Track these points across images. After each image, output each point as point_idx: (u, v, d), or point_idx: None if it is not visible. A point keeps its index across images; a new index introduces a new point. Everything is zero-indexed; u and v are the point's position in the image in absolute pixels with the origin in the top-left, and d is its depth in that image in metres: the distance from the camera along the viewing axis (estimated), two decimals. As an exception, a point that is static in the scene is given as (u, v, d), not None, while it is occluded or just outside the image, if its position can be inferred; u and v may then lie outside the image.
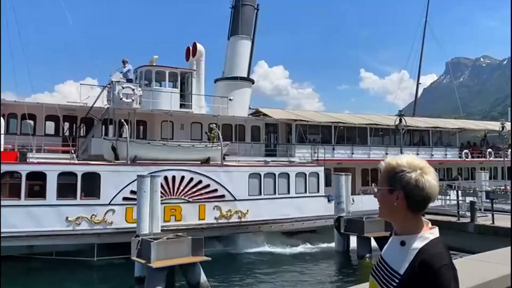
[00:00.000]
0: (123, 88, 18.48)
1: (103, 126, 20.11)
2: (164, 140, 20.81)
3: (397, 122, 25.13)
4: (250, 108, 27.60)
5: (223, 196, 18.81)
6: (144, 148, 17.99)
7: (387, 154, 27.15)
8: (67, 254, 16.28)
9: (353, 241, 18.89)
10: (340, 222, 19.16)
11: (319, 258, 18.73)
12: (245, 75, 27.26)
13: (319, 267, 17.86)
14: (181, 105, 22.86)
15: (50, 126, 20.96)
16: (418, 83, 37.00)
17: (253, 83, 27.66)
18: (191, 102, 23.30)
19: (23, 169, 15.58)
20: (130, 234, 16.62)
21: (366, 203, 22.23)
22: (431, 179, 1.73)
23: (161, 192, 17.28)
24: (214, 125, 21.64)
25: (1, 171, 15.11)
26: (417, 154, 28.04)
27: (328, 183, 25.59)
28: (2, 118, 17.52)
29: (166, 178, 17.57)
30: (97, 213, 16.32)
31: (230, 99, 24.10)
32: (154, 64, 22.96)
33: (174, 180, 17.73)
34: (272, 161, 22.06)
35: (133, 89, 18.71)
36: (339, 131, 26.01)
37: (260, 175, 19.96)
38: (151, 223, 14.59)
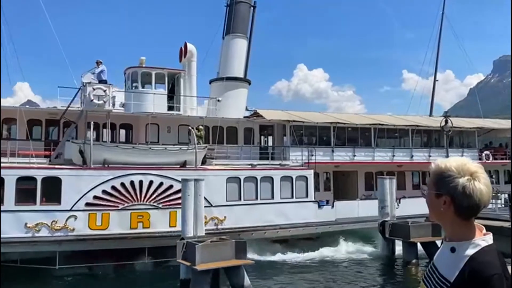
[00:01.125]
0: (93, 89, 17.83)
1: (77, 130, 19.58)
2: (151, 144, 20.11)
3: (442, 124, 24.04)
4: (248, 110, 26.53)
5: (196, 201, 17.72)
6: (112, 151, 17.24)
7: (393, 156, 25.33)
8: (33, 262, 15.77)
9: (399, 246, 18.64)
10: (384, 226, 18.82)
11: (366, 264, 18.15)
12: (241, 75, 26.19)
13: (368, 272, 17.23)
14: (171, 107, 22.12)
15: (37, 131, 20.71)
16: (435, 80, 34.47)
17: (249, 83, 26.49)
18: (180, 104, 22.51)
19: (-20, 174, 15.18)
20: (93, 241, 16.04)
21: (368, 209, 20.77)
22: (481, 185, 1.68)
23: (127, 198, 16.55)
24: (201, 126, 20.72)
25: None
26: (429, 155, 25.96)
27: (326, 187, 24.19)
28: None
29: (132, 183, 16.73)
30: (58, 219, 15.67)
31: (218, 100, 23.10)
32: (143, 65, 22.43)
33: (141, 185, 16.85)
34: (260, 164, 20.76)
35: (104, 90, 18.02)
36: (339, 132, 24.36)
37: (239, 179, 18.76)
38: (196, 226, 14.83)
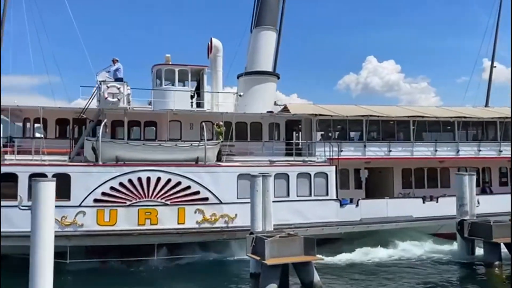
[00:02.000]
0: (108, 87, 18.10)
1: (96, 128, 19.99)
2: (174, 141, 20.11)
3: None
4: (277, 105, 25.72)
5: (206, 199, 17.40)
6: (123, 148, 17.38)
7: (436, 151, 23.20)
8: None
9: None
10: (463, 225, 18.12)
11: (443, 265, 17.56)
12: (270, 69, 25.42)
13: (447, 274, 16.42)
14: (197, 104, 22.02)
15: (63, 130, 21.55)
16: (492, 67, 31.13)
17: (278, 78, 25.62)
18: (204, 100, 22.34)
19: (-5, 171, 15.95)
20: (102, 237, 16.28)
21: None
22: None
23: (134, 194, 16.60)
24: (221, 123, 20.37)
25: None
26: (479, 150, 23.53)
27: (357, 185, 22.78)
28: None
29: (140, 179, 16.76)
30: (67, 215, 16.10)
31: (240, 95, 22.57)
32: (170, 62, 22.52)
33: (149, 181, 16.83)
34: (280, 160, 19.89)
35: (118, 88, 18.23)
36: (373, 125, 22.75)
37: (251, 176, 18.08)
38: (264, 221, 15.34)
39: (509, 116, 22.88)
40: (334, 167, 19.44)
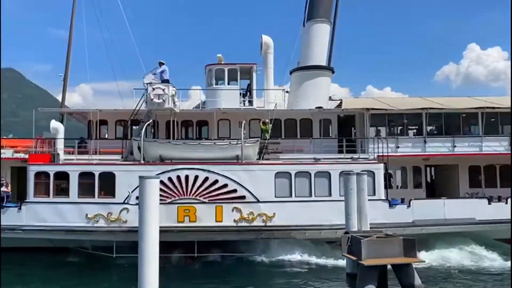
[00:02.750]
0: (153, 89, 18.81)
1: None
2: (221, 139, 20.42)
3: None
4: (332, 100, 24.81)
5: (243, 197, 17.30)
6: (166, 147, 17.94)
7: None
8: (100, 249, 17.49)
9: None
10: None
11: None
12: (324, 63, 24.54)
13: None
14: (246, 102, 22.15)
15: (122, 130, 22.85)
16: None
17: (333, 72, 24.64)
18: (253, 98, 22.36)
19: (51, 169, 17.42)
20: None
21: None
22: None
23: (174, 192, 17.06)
24: (267, 120, 20.19)
25: (35, 172, 17.33)
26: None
27: (416, 184, 21.21)
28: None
29: (178, 177, 17.18)
30: (113, 211, 17.02)
31: (286, 92, 22.14)
32: (223, 62, 22.88)
33: (187, 179, 17.17)
34: (326, 158, 19.09)
35: (163, 89, 18.85)
36: (434, 119, 20.95)
37: (290, 174, 17.63)
38: (360, 220, 15.02)
39: None
40: (382, 165, 18.18)
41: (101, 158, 18.92)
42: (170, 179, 17.14)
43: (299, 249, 17.32)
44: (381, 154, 18.85)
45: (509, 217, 17.63)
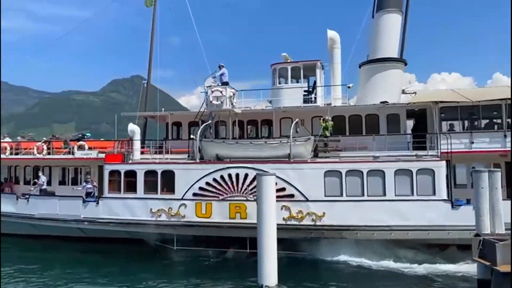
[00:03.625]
0: (212, 92, 19.79)
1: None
2: (283, 138, 20.75)
3: None
4: (406, 93, 23.38)
5: (292, 195, 17.36)
6: (221, 147, 18.76)
7: None
8: (163, 242, 19.07)
9: None
10: None
11: None
12: (395, 55, 23.24)
13: None
14: (307, 100, 22.09)
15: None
16: None
17: (405, 64, 23.19)
18: (317, 95, 22.17)
19: (122, 168, 19.37)
20: (200, 227, 18.07)
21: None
22: None
23: (225, 190, 17.83)
24: (328, 117, 19.97)
25: (109, 171, 19.45)
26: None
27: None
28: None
29: (229, 175, 17.88)
30: (173, 207, 18.36)
31: (348, 87, 21.47)
32: (289, 61, 23.16)
33: (237, 177, 17.78)
34: (388, 156, 18.18)
35: (221, 91, 19.72)
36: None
37: (340, 173, 17.19)
38: (493, 222, 13.72)
39: None
40: (443, 162, 16.79)
41: (173, 158, 20.36)
42: (222, 177, 17.93)
43: (354, 250, 16.86)
44: (445, 150, 17.38)
45: None
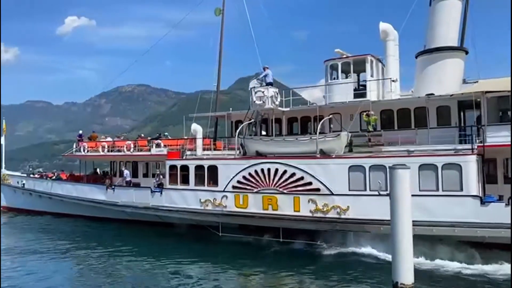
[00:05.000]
0: (255, 93, 21.35)
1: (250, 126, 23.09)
2: (335, 132, 21.50)
3: None
4: (467, 83, 21.97)
5: (318, 189, 18.06)
6: (259, 143, 20.19)
7: None
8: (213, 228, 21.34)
9: None
10: None
11: None
12: (454, 44, 21.96)
13: None
14: (358, 95, 22.30)
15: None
16: None
17: (466, 52, 21.76)
18: (366, 90, 22.21)
19: (178, 163, 22.07)
20: (239, 217, 19.92)
21: None
22: None
23: (259, 183, 19.34)
24: (372, 112, 20.17)
25: (169, 165, 22.36)
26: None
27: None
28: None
29: (262, 170, 19.27)
30: (217, 198, 20.43)
31: (393, 81, 21.07)
32: (344, 56, 23.65)
33: (269, 172, 19.07)
34: (420, 150, 17.75)
35: (263, 92, 21.15)
36: None
37: (364, 167, 17.33)
38: None
39: None
40: (472, 157, 15.87)
41: (220, 153, 22.40)
42: (256, 171, 19.43)
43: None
44: (481, 144, 16.39)
45: None
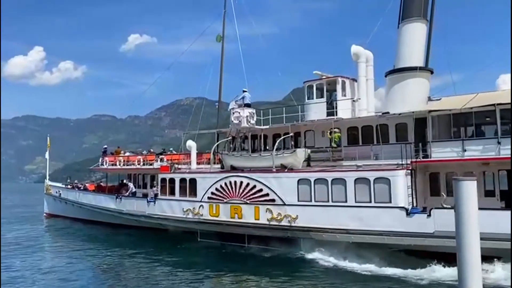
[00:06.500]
0: (233, 113, 23.93)
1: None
2: (310, 148, 23.65)
3: None
4: (431, 100, 23.18)
5: (273, 200, 20.21)
6: (231, 159, 22.71)
7: None
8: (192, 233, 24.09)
9: None
10: None
11: None
12: (420, 64, 23.28)
13: None
14: (330, 113, 24.21)
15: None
16: None
17: (431, 72, 23.04)
18: (336, 108, 24.05)
19: (167, 176, 25.06)
20: (212, 224, 22.51)
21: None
22: None
23: (228, 194, 21.83)
24: (336, 129, 22.13)
25: (160, 178, 25.44)
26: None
27: (489, 193, 18.54)
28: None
29: (230, 182, 21.73)
30: (195, 207, 23.13)
31: (354, 100, 22.78)
32: (324, 77, 25.74)
33: (235, 184, 21.48)
34: (368, 165, 19.44)
35: (239, 112, 23.68)
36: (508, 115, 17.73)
37: (309, 181, 19.29)
38: None
39: None
40: (401, 171, 17.40)
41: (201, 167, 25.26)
42: (226, 184, 21.91)
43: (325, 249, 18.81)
44: (414, 160, 17.91)
45: None
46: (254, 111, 24.22)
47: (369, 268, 17.12)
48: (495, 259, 15.42)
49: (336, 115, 23.52)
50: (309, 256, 19.11)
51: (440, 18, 24.24)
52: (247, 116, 23.66)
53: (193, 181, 23.59)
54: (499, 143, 17.39)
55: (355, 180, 18.18)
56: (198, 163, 27.22)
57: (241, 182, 21.34)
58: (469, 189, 8.66)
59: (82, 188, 36.43)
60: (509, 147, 17.08)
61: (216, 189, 22.32)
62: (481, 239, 7.91)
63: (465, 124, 19.14)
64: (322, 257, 18.66)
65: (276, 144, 21.98)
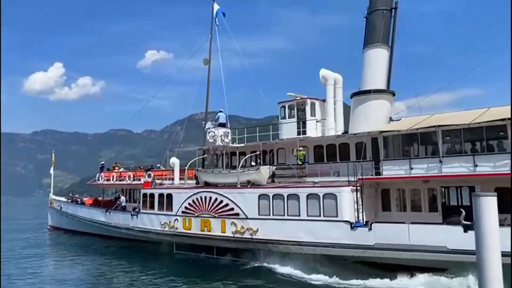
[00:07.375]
0: (208, 132, 25.77)
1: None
2: (281, 165, 25.31)
3: None
4: (392, 120, 24.66)
5: (238, 214, 21.81)
6: (204, 175, 24.50)
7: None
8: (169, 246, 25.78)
9: None
10: None
11: None
12: (383, 87, 24.83)
13: None
14: (301, 132, 25.81)
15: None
16: None
17: (393, 94, 24.57)
18: (306, 128, 25.66)
19: (147, 192, 26.91)
20: (185, 237, 24.19)
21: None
22: None
23: (199, 208, 23.53)
24: (301, 147, 23.76)
25: (142, 193, 27.30)
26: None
27: (432, 207, 19.83)
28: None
29: (201, 198, 23.44)
30: (171, 220, 24.86)
31: (317, 121, 24.37)
32: (297, 98, 27.45)
33: (205, 199, 23.19)
34: (325, 181, 21.01)
35: (214, 132, 25.50)
36: (449, 136, 19.16)
37: (268, 196, 20.86)
38: None
39: None
40: (347, 188, 18.89)
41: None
42: (197, 199, 23.63)
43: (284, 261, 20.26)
44: (361, 177, 19.38)
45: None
46: (229, 130, 26.03)
47: (324, 278, 18.45)
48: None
49: (305, 134, 25.19)
50: (269, 266, 20.57)
51: (402, 45, 25.88)
52: (221, 135, 25.48)
53: (169, 196, 25.36)
54: (440, 161, 18.74)
55: (307, 195, 19.71)
56: (182, 179, 29.00)
57: (210, 197, 23.03)
58: (489, 205, 9.32)
59: (79, 202, 38.52)
60: (451, 165, 18.49)
61: (189, 204, 24.03)
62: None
63: (412, 144, 20.57)
64: (283, 268, 20.05)
65: (242, 161, 23.63)
